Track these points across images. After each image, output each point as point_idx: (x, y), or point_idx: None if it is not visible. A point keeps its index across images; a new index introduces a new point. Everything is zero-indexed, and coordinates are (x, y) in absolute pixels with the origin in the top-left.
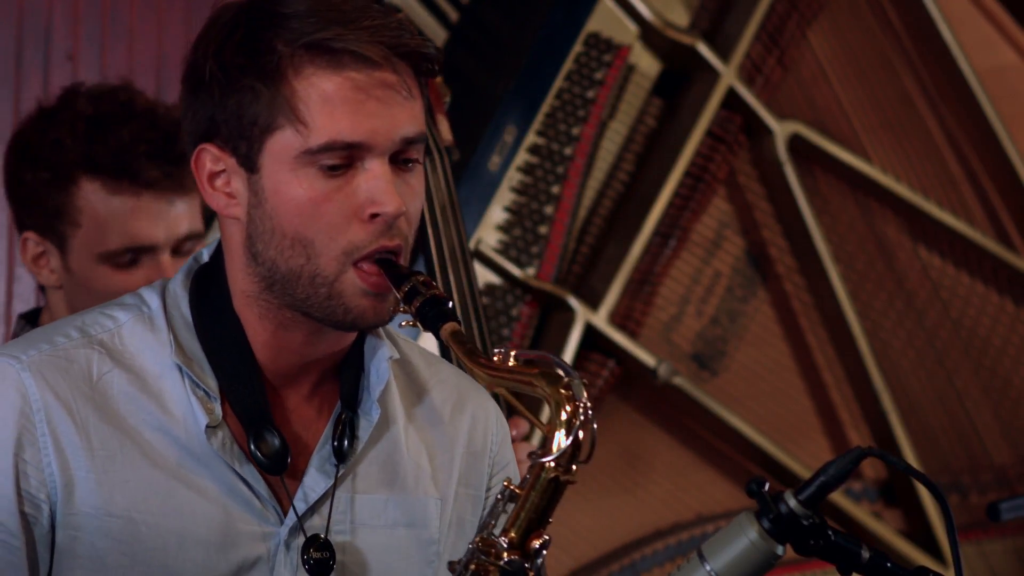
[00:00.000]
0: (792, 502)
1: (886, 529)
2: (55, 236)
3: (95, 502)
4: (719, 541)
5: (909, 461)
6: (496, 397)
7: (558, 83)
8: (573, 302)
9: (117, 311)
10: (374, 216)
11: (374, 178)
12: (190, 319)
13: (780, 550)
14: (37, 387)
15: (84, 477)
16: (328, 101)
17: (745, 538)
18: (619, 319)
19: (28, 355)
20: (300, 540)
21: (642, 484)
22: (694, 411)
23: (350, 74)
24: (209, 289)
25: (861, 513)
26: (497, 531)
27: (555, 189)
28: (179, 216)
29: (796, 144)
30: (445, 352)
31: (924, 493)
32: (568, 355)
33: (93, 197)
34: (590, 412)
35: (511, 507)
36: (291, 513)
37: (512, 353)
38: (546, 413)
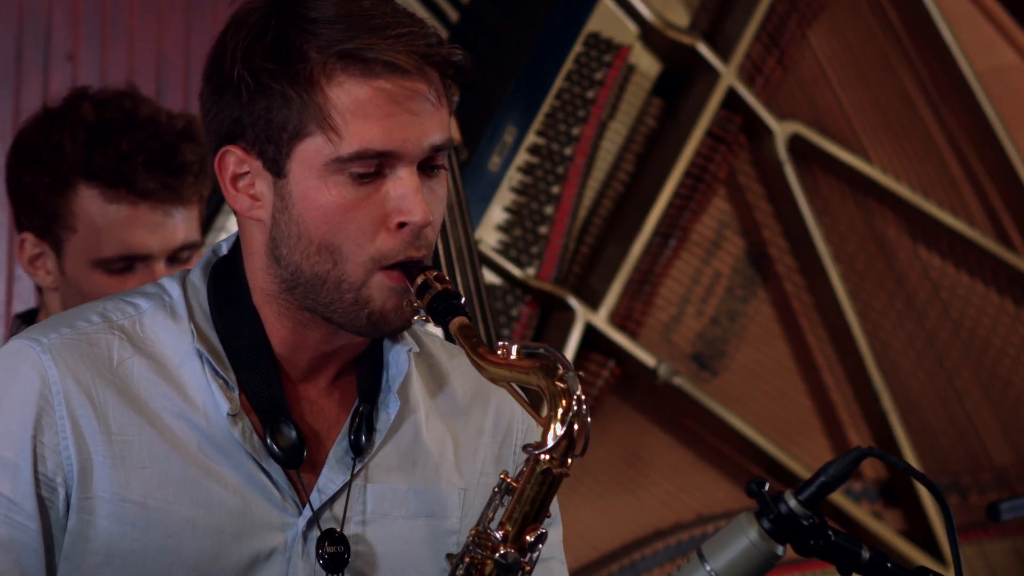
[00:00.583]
0: (792, 502)
1: (886, 529)
2: (52, 239)
3: (111, 487)
4: (719, 541)
5: (909, 461)
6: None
7: (558, 83)
8: (573, 302)
9: (138, 299)
10: (402, 225)
11: (403, 187)
12: (208, 311)
13: (780, 550)
14: (57, 370)
15: (101, 461)
16: (360, 110)
17: (745, 538)
18: (619, 319)
19: (49, 338)
20: (316, 532)
21: (642, 484)
22: (694, 411)
23: (382, 83)
24: (228, 283)
25: (861, 513)
26: (494, 524)
27: (555, 189)
28: (176, 226)
29: (796, 144)
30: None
31: (924, 493)
32: (568, 355)
33: (90, 204)
34: (584, 406)
35: (507, 500)
36: (308, 505)
37: (514, 347)
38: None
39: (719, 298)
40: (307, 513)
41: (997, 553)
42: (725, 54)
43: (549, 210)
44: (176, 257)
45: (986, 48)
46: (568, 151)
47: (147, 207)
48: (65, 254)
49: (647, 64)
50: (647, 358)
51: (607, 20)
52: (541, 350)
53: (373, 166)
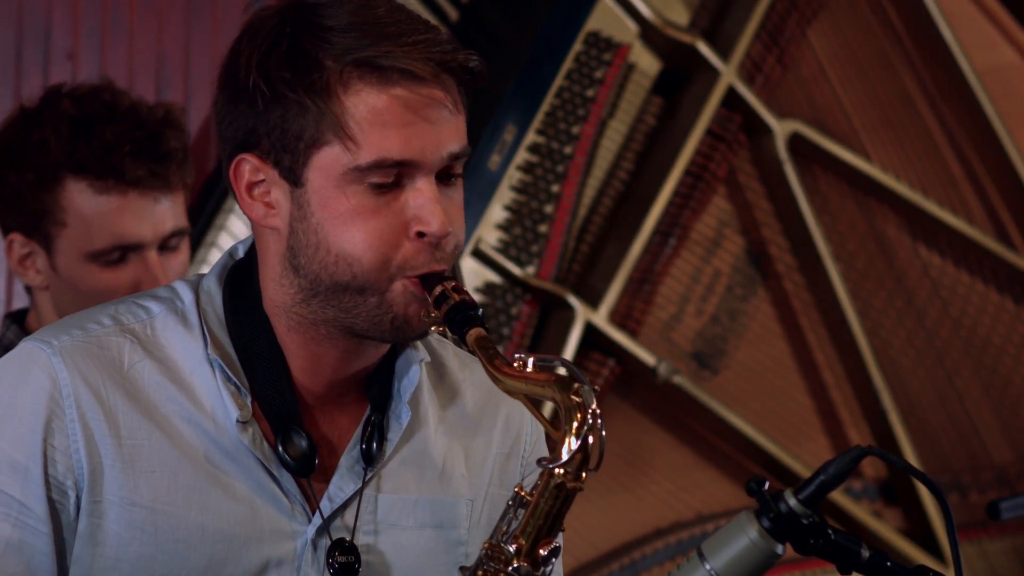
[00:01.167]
0: (792, 501)
1: (886, 528)
2: (41, 236)
3: (120, 491)
4: (719, 540)
5: (909, 460)
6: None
7: (558, 82)
8: (573, 301)
9: (150, 302)
10: (421, 234)
11: (421, 196)
12: (223, 317)
13: (780, 549)
14: (68, 373)
15: (110, 465)
16: (378, 118)
17: (745, 537)
18: (619, 318)
19: (60, 340)
20: (326, 541)
21: (642, 483)
22: (694, 410)
23: (400, 91)
24: (243, 289)
25: (861, 512)
26: (508, 538)
27: (555, 188)
28: (164, 213)
29: (796, 143)
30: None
31: (924, 492)
32: (568, 354)
33: (79, 197)
34: (599, 420)
35: (521, 513)
36: (318, 513)
37: (530, 359)
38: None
39: (719, 297)
40: (317, 521)
41: (997, 552)
42: (725, 53)
43: (549, 209)
44: (166, 244)
45: (986, 47)
46: (568, 150)
47: (136, 195)
48: (56, 250)
49: (647, 63)
50: (647, 357)
51: (607, 19)
52: (557, 363)
53: (392, 176)
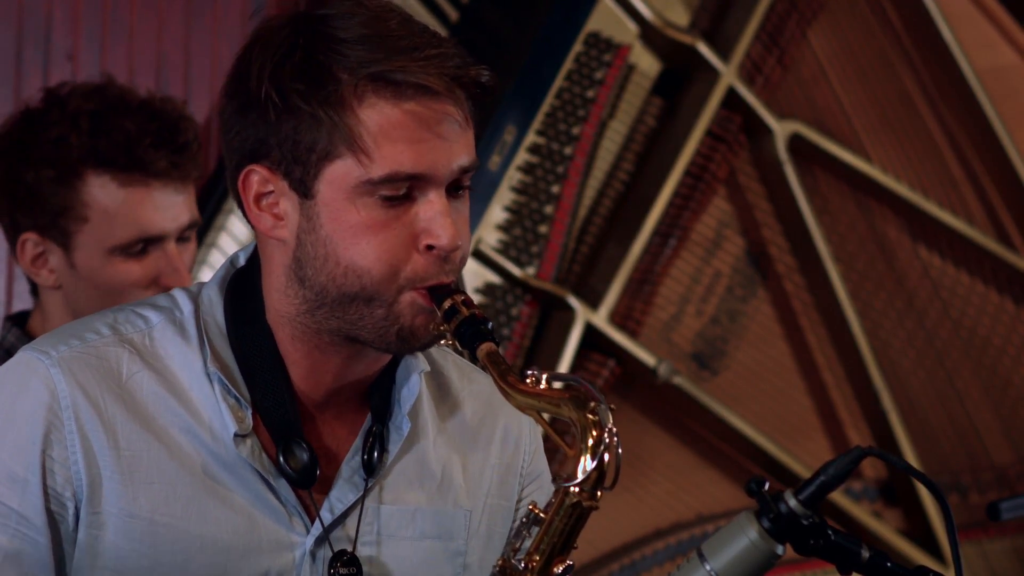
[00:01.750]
0: (792, 502)
1: (886, 529)
2: (58, 234)
3: (119, 502)
4: (719, 540)
5: (909, 461)
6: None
7: (558, 82)
8: (573, 302)
9: (149, 312)
10: (430, 247)
11: (432, 210)
12: (224, 327)
13: (780, 549)
14: (66, 384)
15: (109, 476)
16: (391, 132)
17: (745, 537)
18: (619, 319)
19: (58, 351)
20: (326, 551)
21: (642, 483)
22: (694, 411)
23: (413, 106)
24: (245, 299)
25: (861, 513)
26: (520, 555)
27: (555, 188)
28: (183, 205)
29: (796, 144)
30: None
31: (924, 493)
32: (568, 355)
33: (101, 191)
34: (616, 438)
35: (535, 531)
36: (317, 523)
37: (544, 376)
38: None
39: (719, 297)
40: (316, 531)
41: (997, 552)
42: (725, 53)
43: (549, 209)
44: (181, 236)
45: (986, 47)
46: (568, 150)
47: (159, 187)
48: (75, 246)
49: (647, 63)
50: (647, 357)
51: (607, 19)
52: (572, 381)
53: (403, 189)
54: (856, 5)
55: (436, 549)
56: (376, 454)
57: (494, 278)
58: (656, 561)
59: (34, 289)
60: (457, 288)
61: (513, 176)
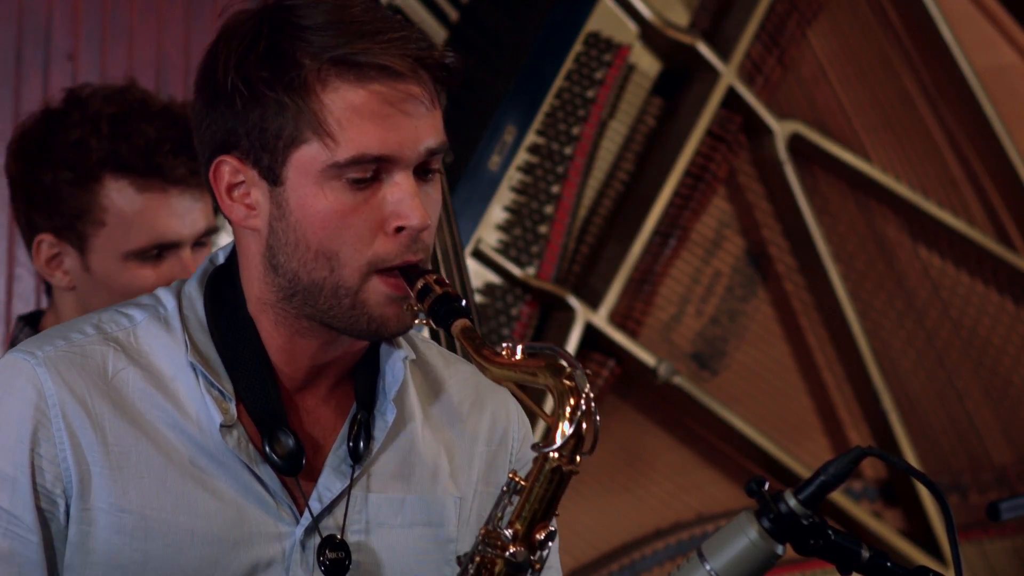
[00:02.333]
0: (792, 501)
1: (886, 529)
2: (74, 236)
3: (109, 498)
4: (719, 540)
5: (909, 461)
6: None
7: (558, 83)
8: (573, 302)
9: (133, 310)
10: (399, 229)
11: (400, 191)
12: (205, 321)
13: (780, 549)
14: (53, 382)
15: (99, 472)
16: (356, 115)
17: (745, 537)
18: (619, 319)
19: (44, 351)
20: (315, 540)
21: (642, 484)
22: (694, 411)
23: (377, 87)
24: (224, 293)
25: (861, 513)
26: (503, 523)
27: (555, 189)
28: (200, 211)
29: (796, 144)
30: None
31: (924, 493)
32: None
33: (119, 196)
34: (593, 403)
35: (516, 499)
36: (306, 513)
37: (519, 347)
38: (551, 405)
39: (719, 297)
40: (305, 521)
41: (997, 552)
42: (725, 53)
43: (549, 209)
44: (200, 242)
45: (986, 47)
46: (568, 150)
47: (177, 193)
48: (91, 250)
49: (647, 63)
50: (647, 357)
51: (607, 19)
52: (547, 349)
53: (370, 171)
54: (856, 5)
55: (426, 536)
56: (363, 442)
57: (494, 278)
58: (656, 561)
59: (48, 289)
60: (428, 268)
61: (513, 176)
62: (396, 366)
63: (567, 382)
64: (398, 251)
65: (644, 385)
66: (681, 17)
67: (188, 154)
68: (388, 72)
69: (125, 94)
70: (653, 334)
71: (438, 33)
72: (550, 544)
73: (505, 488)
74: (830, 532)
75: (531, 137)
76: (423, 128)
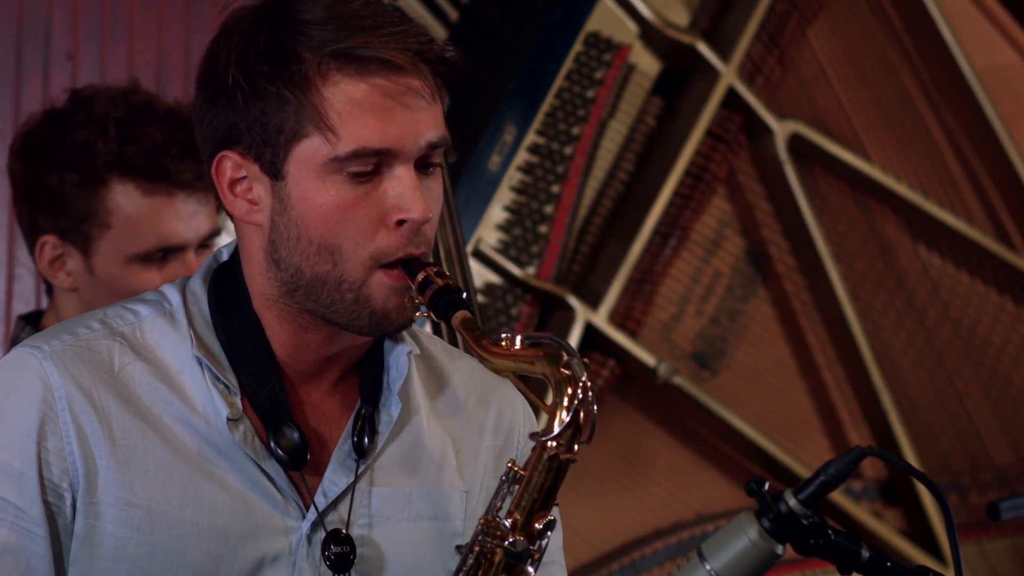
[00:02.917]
0: (792, 501)
1: (886, 528)
2: (79, 238)
3: (115, 491)
4: (719, 540)
5: (909, 460)
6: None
7: (558, 82)
8: (573, 301)
9: (138, 306)
10: (401, 222)
11: (401, 184)
12: (209, 317)
13: (780, 549)
14: (59, 376)
15: (105, 466)
16: (356, 108)
17: (745, 537)
18: (619, 318)
19: (50, 345)
20: (321, 535)
21: (642, 484)
22: (694, 411)
23: (377, 80)
24: (228, 288)
25: (861, 512)
26: (503, 513)
27: (555, 188)
28: (205, 215)
29: (796, 144)
30: (455, 343)
31: (924, 492)
32: None
33: (125, 199)
34: (590, 392)
35: (515, 489)
36: (312, 508)
37: (518, 337)
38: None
39: (719, 297)
40: (311, 515)
41: (997, 552)
42: (725, 53)
43: (549, 209)
44: (204, 245)
45: (986, 47)
46: (568, 150)
47: (183, 197)
48: (95, 252)
49: (647, 63)
50: (647, 357)
51: (607, 19)
52: (545, 339)
53: (371, 165)
54: (856, 5)
55: (432, 530)
56: (367, 437)
57: (494, 278)
58: (656, 561)
59: (48, 289)
60: (429, 261)
61: (513, 176)
62: (400, 360)
63: (564, 371)
64: (400, 244)
65: (644, 385)
66: (681, 17)
67: (194, 157)
68: (388, 66)
69: (130, 96)
70: (653, 334)
71: (438, 33)
72: (549, 533)
73: (504, 478)
74: (830, 532)
75: (531, 137)
76: (423, 121)
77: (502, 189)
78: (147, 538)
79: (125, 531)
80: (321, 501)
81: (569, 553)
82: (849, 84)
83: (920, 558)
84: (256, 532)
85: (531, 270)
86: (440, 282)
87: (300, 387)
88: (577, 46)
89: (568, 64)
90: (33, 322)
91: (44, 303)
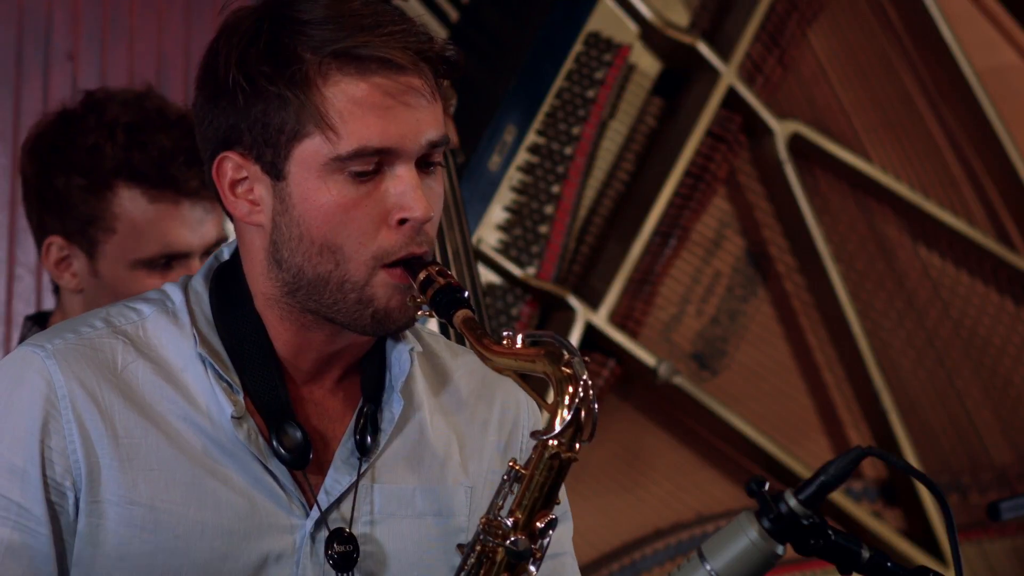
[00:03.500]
0: (792, 502)
1: (886, 529)
2: (85, 241)
3: (119, 490)
4: (719, 540)
5: (909, 461)
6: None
7: (558, 82)
8: (573, 302)
9: (141, 304)
10: (403, 221)
11: (402, 184)
12: (211, 316)
13: (780, 549)
14: (63, 374)
15: (108, 465)
16: (357, 107)
17: (745, 537)
18: (619, 319)
19: (53, 343)
20: (325, 533)
21: (642, 484)
22: (694, 411)
23: (378, 80)
24: (229, 288)
25: (861, 513)
26: (504, 512)
27: (555, 188)
28: (211, 223)
29: (796, 144)
30: (460, 341)
31: (924, 492)
32: None
33: (131, 204)
34: (591, 391)
35: (517, 488)
36: (316, 506)
37: (519, 336)
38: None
39: (719, 297)
40: (315, 514)
41: (997, 552)
42: (725, 53)
43: (549, 209)
44: (210, 252)
45: (986, 47)
46: (568, 150)
47: (188, 205)
48: (100, 256)
49: (647, 63)
50: (647, 357)
51: (607, 19)
52: (546, 338)
53: (372, 164)
54: (856, 5)
55: (436, 527)
56: (370, 435)
57: (494, 278)
58: (656, 561)
59: (56, 289)
60: (431, 259)
61: (513, 176)
62: (403, 358)
63: (565, 369)
64: (402, 243)
65: (644, 385)
66: (681, 17)
67: (203, 166)
68: (389, 65)
69: (143, 101)
70: (653, 334)
71: (438, 33)
72: (551, 532)
73: (505, 477)
74: (830, 532)
75: (531, 137)
76: (424, 120)
77: (502, 189)
78: (150, 536)
79: (128, 530)
80: (324, 499)
81: None
82: (849, 84)
83: (920, 558)
84: (260, 530)
85: (531, 270)
86: (442, 281)
87: (302, 385)
88: (577, 46)
89: (568, 64)
90: (41, 322)
91: (44, 303)
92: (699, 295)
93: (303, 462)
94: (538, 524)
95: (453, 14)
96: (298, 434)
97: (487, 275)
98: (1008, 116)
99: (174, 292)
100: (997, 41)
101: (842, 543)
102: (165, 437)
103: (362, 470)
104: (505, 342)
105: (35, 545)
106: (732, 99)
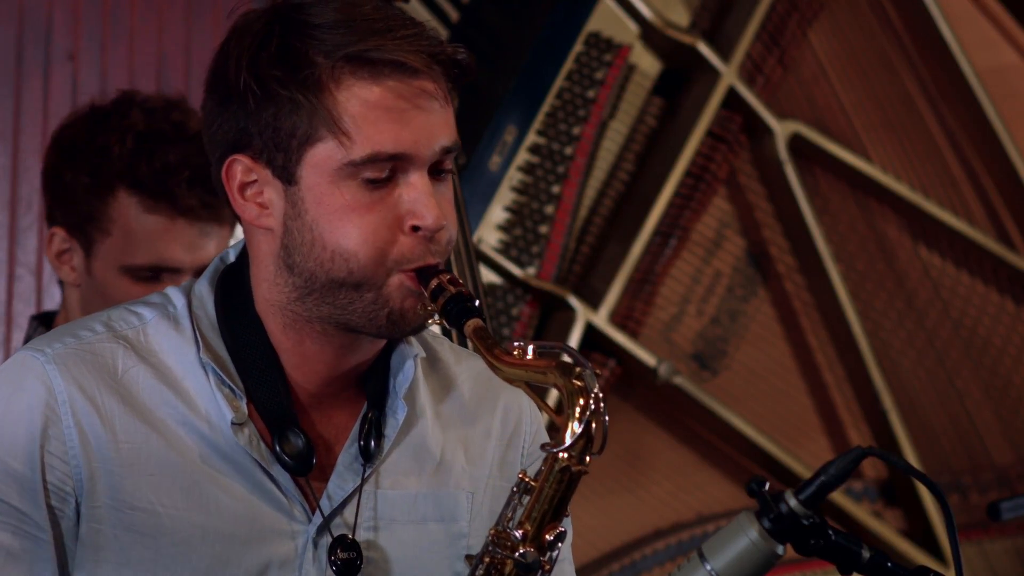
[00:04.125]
0: (792, 502)
1: (886, 529)
2: (83, 238)
3: (119, 495)
4: (719, 540)
5: (909, 461)
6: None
7: (558, 83)
8: (573, 302)
9: (143, 308)
10: (415, 229)
11: (415, 191)
12: (215, 320)
13: (780, 550)
14: (62, 379)
15: (109, 470)
16: (371, 111)
17: (745, 537)
18: (619, 319)
19: (53, 348)
20: (327, 540)
21: (642, 484)
22: (694, 411)
23: (391, 83)
24: (235, 291)
25: (861, 513)
26: (513, 524)
27: (555, 189)
28: (209, 244)
29: (796, 144)
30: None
31: (924, 493)
32: None
33: (128, 211)
34: (602, 403)
35: (526, 500)
36: (318, 512)
37: (530, 346)
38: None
39: (719, 297)
40: (317, 520)
41: (997, 553)
42: (725, 53)
43: (550, 209)
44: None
45: (986, 47)
46: (568, 150)
47: (184, 223)
48: (94, 255)
49: (647, 63)
50: (647, 357)
51: (607, 19)
52: (558, 349)
53: (385, 171)
54: (856, 5)
55: (438, 532)
56: (373, 441)
57: (494, 278)
58: (656, 561)
59: (60, 281)
60: (443, 268)
61: (513, 176)
62: (407, 364)
63: (576, 382)
64: (417, 253)
65: (645, 385)
66: (681, 17)
67: (207, 187)
68: (403, 68)
69: (169, 111)
70: (653, 334)
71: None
72: (560, 545)
73: (515, 488)
74: (830, 532)
75: (531, 137)
76: (437, 125)
77: (502, 189)
78: (151, 542)
79: (129, 535)
80: (327, 505)
81: None
82: (849, 84)
83: (920, 558)
84: (261, 536)
85: (531, 270)
86: (453, 290)
87: (306, 391)
88: (577, 46)
89: (568, 64)
90: (46, 322)
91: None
92: (699, 295)
93: (306, 468)
94: (547, 537)
95: (453, 14)
96: (300, 441)
97: (487, 275)
98: (1008, 116)
99: (176, 296)
100: (997, 41)
101: (842, 543)
102: (165, 442)
103: (365, 476)
104: (515, 352)
105: (36, 550)
106: (732, 99)
